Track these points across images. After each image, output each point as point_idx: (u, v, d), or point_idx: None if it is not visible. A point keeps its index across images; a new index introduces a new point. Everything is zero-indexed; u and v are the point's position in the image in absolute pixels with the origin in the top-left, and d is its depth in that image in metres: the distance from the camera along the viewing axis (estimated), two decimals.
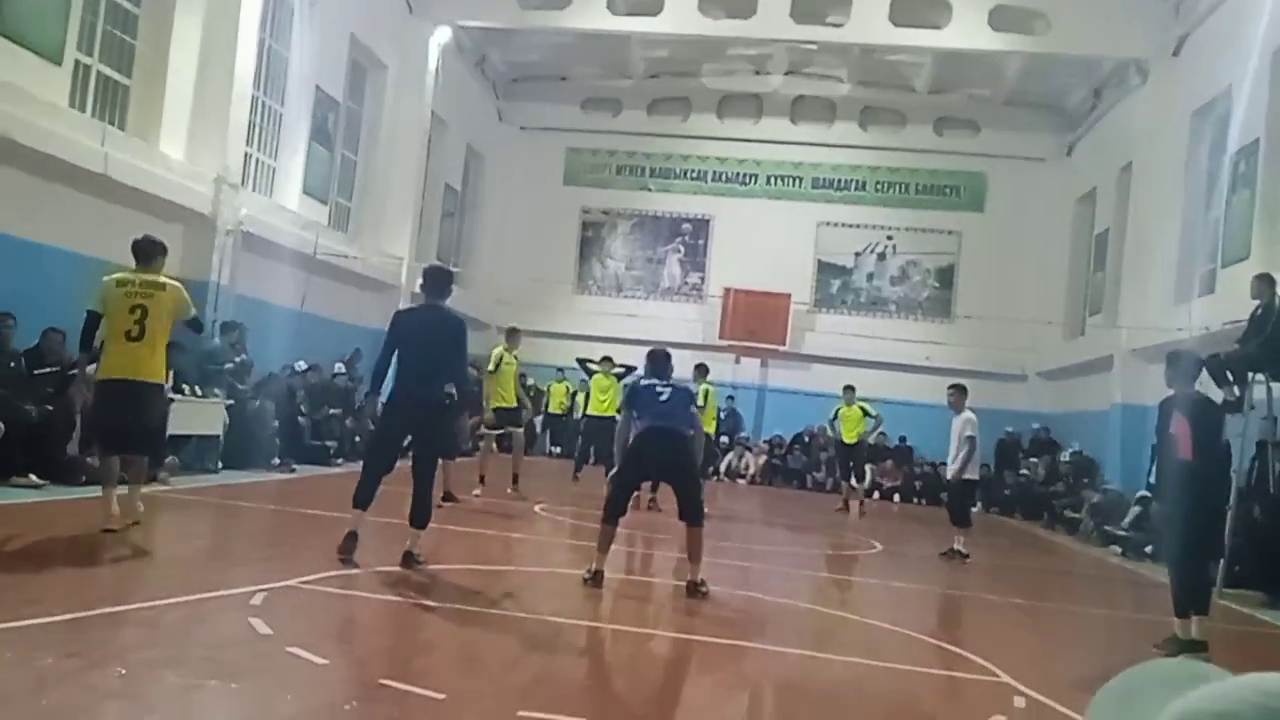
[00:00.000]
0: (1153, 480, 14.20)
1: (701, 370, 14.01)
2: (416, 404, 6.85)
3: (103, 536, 6.78)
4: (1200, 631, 6.51)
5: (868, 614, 7.89)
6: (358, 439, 14.74)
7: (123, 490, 7.29)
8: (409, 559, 6.78)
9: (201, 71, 12.84)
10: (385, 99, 18.74)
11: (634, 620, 6.51)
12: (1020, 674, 5.40)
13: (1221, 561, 9.76)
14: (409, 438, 7.13)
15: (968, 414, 10.76)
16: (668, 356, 7.89)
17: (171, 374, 10.97)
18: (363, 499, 6.83)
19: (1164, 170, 16.58)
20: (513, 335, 12.44)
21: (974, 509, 12.63)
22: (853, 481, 16.21)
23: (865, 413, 15.78)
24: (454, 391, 6.97)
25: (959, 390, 11.01)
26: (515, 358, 12.25)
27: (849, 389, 16.10)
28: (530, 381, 15.75)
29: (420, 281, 7.28)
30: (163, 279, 7.28)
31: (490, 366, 12.17)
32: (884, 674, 5.61)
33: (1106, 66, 19.42)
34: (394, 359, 6.99)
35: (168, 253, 7.52)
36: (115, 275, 7.26)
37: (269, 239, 13.86)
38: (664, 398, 7.28)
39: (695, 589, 6.86)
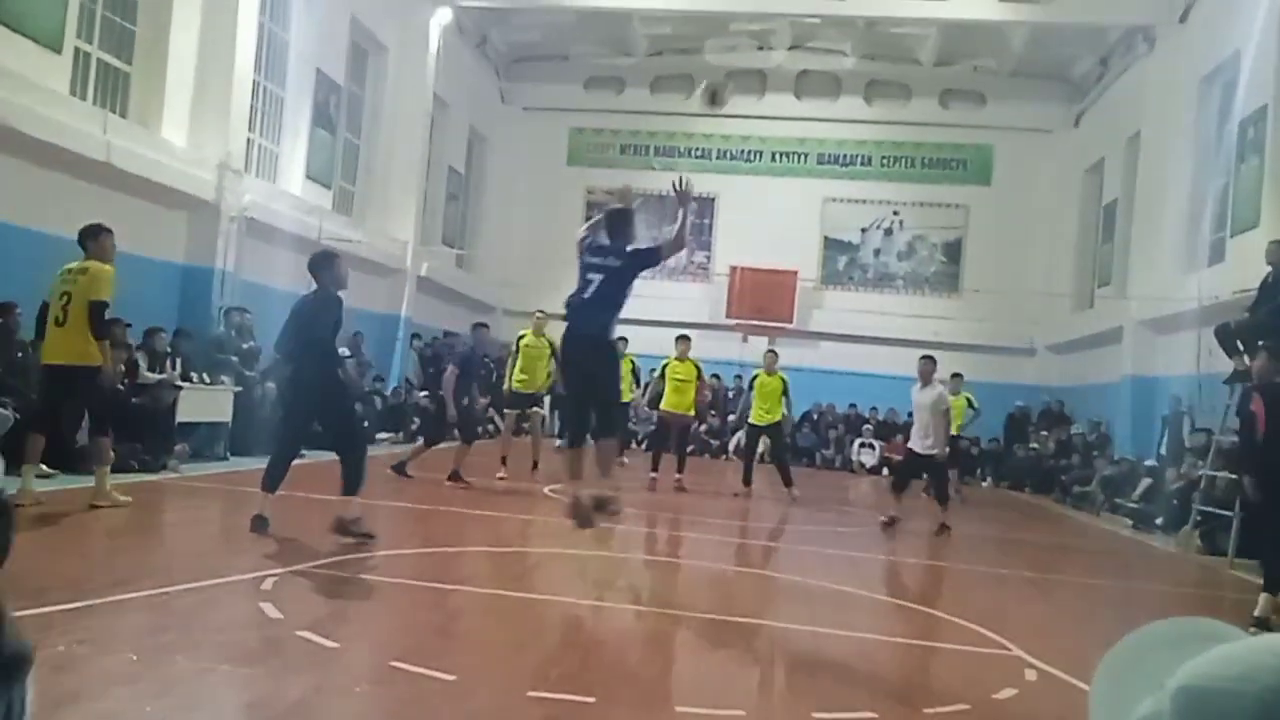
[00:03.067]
0: (1163, 452, 14.18)
1: (958, 379, 14.40)
2: (307, 381, 7.04)
3: (110, 527, 6.81)
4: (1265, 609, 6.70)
5: (878, 590, 7.88)
6: (365, 423, 14.76)
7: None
8: (340, 524, 6.71)
9: (202, 57, 12.79)
10: (387, 81, 18.67)
11: (645, 600, 6.50)
12: (1031, 647, 5.39)
13: (1233, 530, 9.77)
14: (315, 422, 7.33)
15: (941, 388, 10.66)
16: (627, 218, 6.56)
17: (179, 361, 11.03)
18: (272, 481, 6.99)
19: (1172, 139, 16.44)
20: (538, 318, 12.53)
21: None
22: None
23: (970, 404, 15.18)
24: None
25: (930, 361, 10.68)
26: (544, 339, 12.23)
27: (957, 377, 15.13)
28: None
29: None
30: (88, 264, 7.29)
31: (513, 347, 12.46)
32: (895, 649, 5.60)
33: (1113, 35, 19.25)
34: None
35: (100, 234, 7.51)
36: (67, 265, 7.44)
37: (273, 224, 13.83)
38: (594, 283, 6.19)
39: (593, 504, 6.35)
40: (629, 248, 6.37)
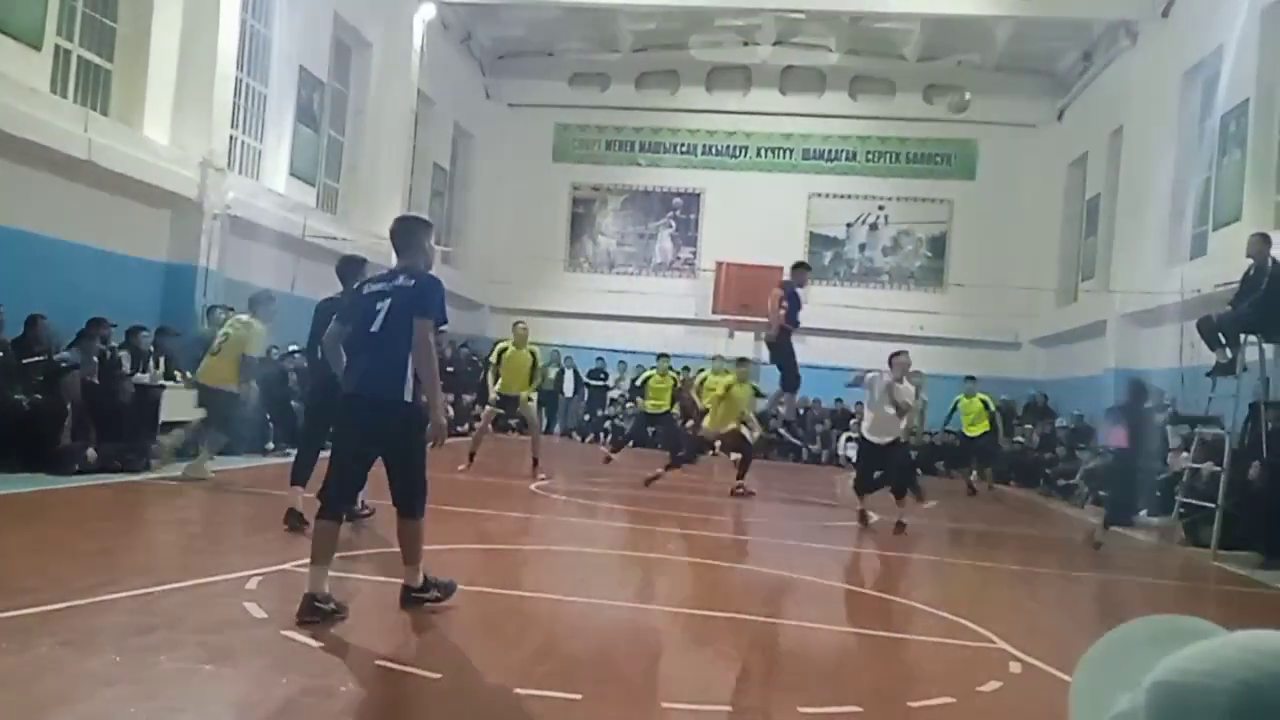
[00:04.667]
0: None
1: (970, 382, 15.14)
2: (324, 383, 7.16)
3: (94, 527, 6.79)
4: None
5: (864, 584, 7.92)
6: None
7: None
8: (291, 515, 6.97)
9: (184, 54, 12.72)
10: (371, 78, 18.59)
11: (631, 595, 6.51)
12: (1016, 640, 5.41)
13: (1216, 522, 9.86)
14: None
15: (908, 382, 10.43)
16: (412, 225, 5.30)
17: (162, 359, 10.98)
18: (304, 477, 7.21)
19: (1154, 133, 16.53)
20: (517, 326, 12.71)
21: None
22: (972, 475, 15.64)
23: (986, 407, 15.30)
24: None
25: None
26: (530, 352, 12.48)
27: (970, 379, 15.67)
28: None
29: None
30: (252, 321, 9.58)
31: (492, 358, 12.55)
32: (880, 642, 5.62)
33: (1096, 29, 19.32)
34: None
35: (270, 302, 9.82)
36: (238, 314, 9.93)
37: (256, 222, 13.78)
38: (378, 315, 4.90)
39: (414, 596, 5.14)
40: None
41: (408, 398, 4.90)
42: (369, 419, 4.88)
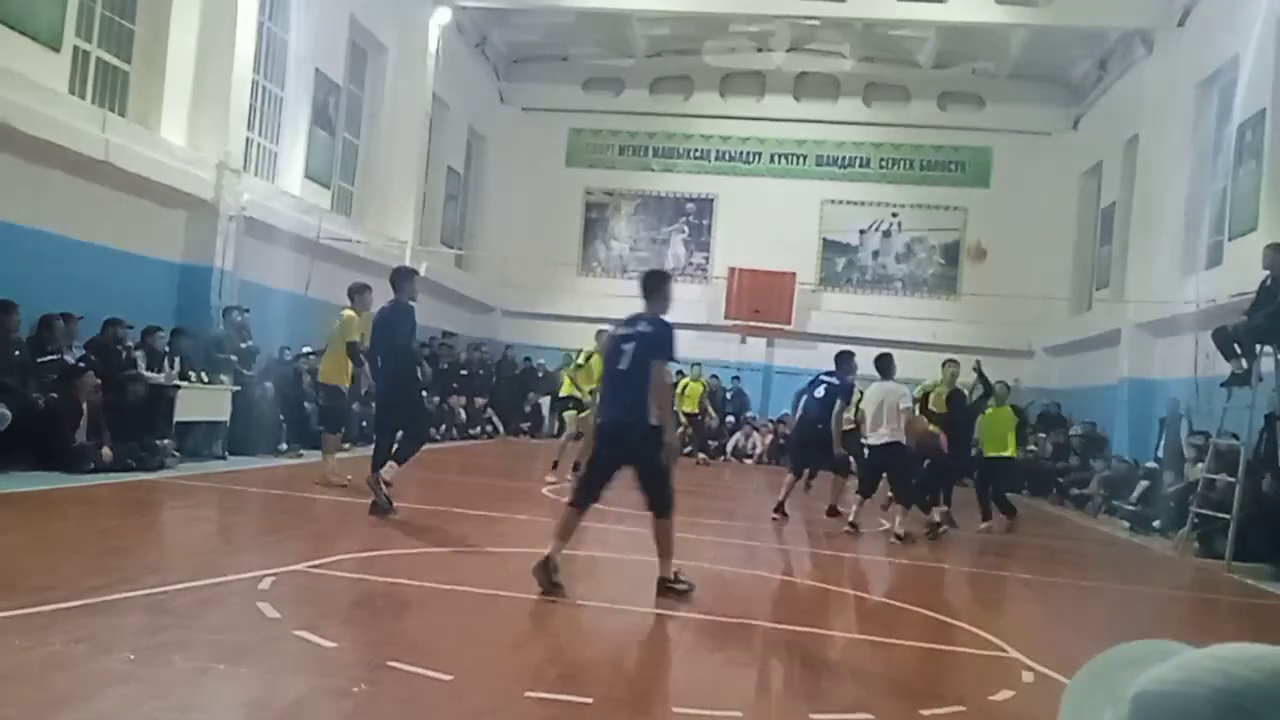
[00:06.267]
0: (1160, 454, 14.19)
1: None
2: (385, 380, 8.52)
3: (108, 526, 6.82)
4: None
5: (875, 591, 7.90)
6: (364, 424, 14.78)
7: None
8: (377, 481, 8.01)
9: (201, 56, 12.78)
10: (386, 81, 18.66)
11: (642, 600, 6.50)
12: (1028, 649, 5.39)
13: (1230, 533, 9.80)
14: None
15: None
16: (659, 278, 6.42)
17: (178, 359, 11.03)
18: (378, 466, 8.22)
19: (1170, 142, 16.45)
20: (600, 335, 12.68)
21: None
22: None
23: (1018, 413, 12.64)
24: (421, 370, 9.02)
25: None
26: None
27: (1001, 384, 12.54)
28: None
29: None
30: (345, 312, 9.84)
31: (580, 360, 12.99)
32: (892, 650, 5.60)
33: (1111, 38, 19.27)
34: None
35: (363, 292, 9.91)
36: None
37: (272, 224, 13.82)
38: (624, 353, 5.94)
39: (665, 586, 6.06)
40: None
41: (652, 421, 5.83)
42: (619, 441, 5.86)
